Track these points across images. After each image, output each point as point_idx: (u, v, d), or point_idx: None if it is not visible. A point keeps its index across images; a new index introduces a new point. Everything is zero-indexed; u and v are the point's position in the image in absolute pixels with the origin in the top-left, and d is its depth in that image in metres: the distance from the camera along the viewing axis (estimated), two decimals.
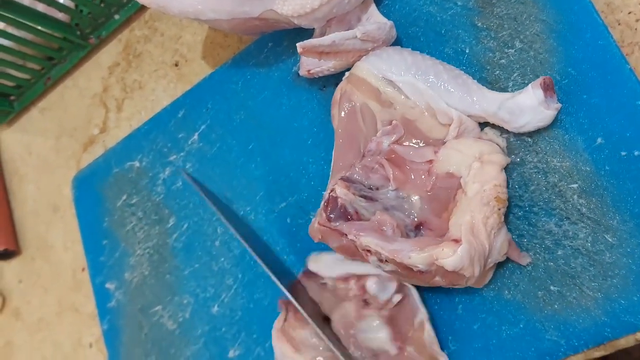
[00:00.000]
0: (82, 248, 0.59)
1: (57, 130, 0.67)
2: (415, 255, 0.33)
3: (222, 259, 0.49)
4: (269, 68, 0.48)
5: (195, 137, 0.51)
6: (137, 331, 0.53)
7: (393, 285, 0.38)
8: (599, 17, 0.35)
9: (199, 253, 0.50)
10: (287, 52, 0.47)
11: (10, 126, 0.72)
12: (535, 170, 0.37)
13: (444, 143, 0.37)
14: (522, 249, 0.36)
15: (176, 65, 0.58)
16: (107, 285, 0.55)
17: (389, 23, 0.39)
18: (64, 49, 0.63)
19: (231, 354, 0.47)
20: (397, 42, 0.41)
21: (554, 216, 0.36)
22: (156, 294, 0.52)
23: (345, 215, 0.36)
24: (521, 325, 0.36)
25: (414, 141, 0.38)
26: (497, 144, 0.37)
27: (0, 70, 0.64)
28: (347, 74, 0.40)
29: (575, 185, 0.35)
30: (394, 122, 0.38)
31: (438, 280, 0.34)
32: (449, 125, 0.37)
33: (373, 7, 0.41)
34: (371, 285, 0.38)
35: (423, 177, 0.37)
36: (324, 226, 0.36)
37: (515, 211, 0.37)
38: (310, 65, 0.41)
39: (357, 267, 0.39)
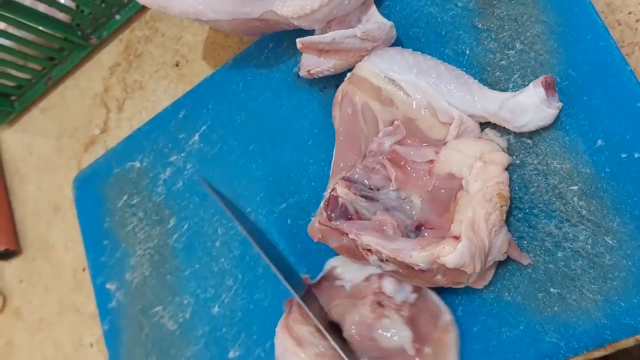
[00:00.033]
0: (83, 248, 0.59)
1: (58, 131, 0.67)
2: (417, 254, 0.33)
3: (223, 260, 0.49)
4: (270, 69, 0.48)
5: (196, 137, 0.51)
6: (138, 331, 0.53)
7: (409, 285, 0.38)
8: (600, 18, 0.35)
9: (200, 254, 0.50)
10: (287, 53, 0.47)
11: (11, 126, 0.72)
12: (536, 172, 0.37)
13: (444, 143, 0.37)
14: (522, 251, 0.36)
15: (177, 65, 0.58)
16: (108, 286, 0.55)
17: (389, 23, 0.39)
18: (65, 49, 0.63)
19: (231, 354, 0.47)
20: (398, 43, 0.41)
21: (554, 218, 0.36)
22: (157, 294, 0.52)
23: (346, 214, 0.36)
24: (521, 327, 0.36)
25: (414, 141, 0.38)
26: (498, 145, 0.37)
27: (1, 70, 0.64)
28: (348, 74, 0.40)
29: (575, 187, 0.35)
30: (395, 122, 0.38)
31: (439, 279, 0.34)
32: (450, 124, 0.37)
33: (373, 8, 0.41)
34: (388, 285, 0.38)
35: (424, 177, 0.37)
36: (324, 225, 0.36)
37: (515, 213, 0.37)
38: (310, 65, 0.41)
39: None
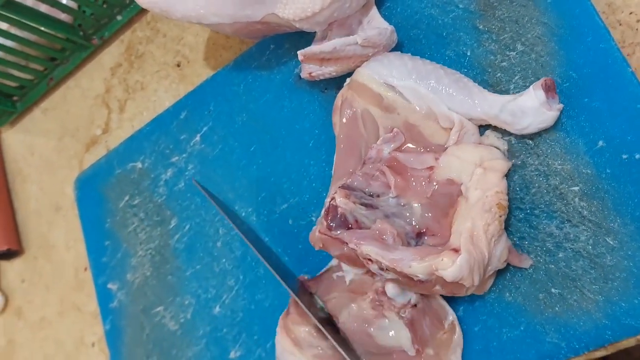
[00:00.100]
0: (84, 247, 0.59)
1: (60, 131, 0.67)
2: (416, 264, 0.33)
3: (224, 260, 0.49)
4: (271, 70, 0.48)
5: (197, 138, 0.51)
6: (139, 332, 0.53)
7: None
8: (601, 20, 0.35)
9: (201, 254, 0.50)
10: (288, 54, 0.47)
11: (13, 126, 0.72)
12: (537, 173, 0.37)
13: (445, 149, 0.37)
14: (523, 252, 0.37)
15: (178, 66, 0.58)
16: (109, 286, 0.56)
17: (390, 28, 0.39)
18: (67, 49, 0.63)
19: (232, 354, 0.47)
20: (399, 45, 0.41)
21: (555, 219, 0.36)
22: (158, 294, 0.52)
23: (346, 223, 0.36)
24: (522, 328, 0.36)
25: (415, 147, 0.38)
26: (499, 147, 0.37)
27: (3, 70, 0.64)
28: (348, 79, 0.41)
29: (576, 188, 0.35)
30: (394, 129, 0.38)
31: (438, 289, 0.34)
32: (450, 129, 0.37)
33: (374, 10, 0.41)
34: (390, 287, 0.38)
35: (424, 183, 0.37)
36: (324, 235, 0.36)
37: (517, 214, 0.37)
38: (311, 68, 0.41)
39: None
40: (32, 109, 0.70)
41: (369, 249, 0.34)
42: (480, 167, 0.35)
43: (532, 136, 0.37)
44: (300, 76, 0.44)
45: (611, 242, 0.34)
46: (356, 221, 0.37)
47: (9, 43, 0.60)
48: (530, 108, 0.35)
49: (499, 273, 0.37)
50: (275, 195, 0.46)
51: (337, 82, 0.44)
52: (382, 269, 0.35)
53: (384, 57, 0.39)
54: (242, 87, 0.49)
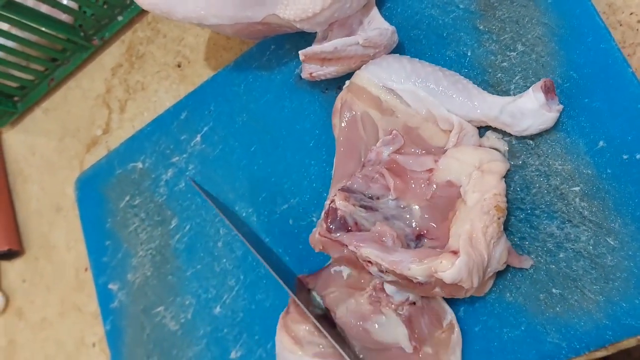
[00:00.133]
0: (85, 248, 0.59)
1: (61, 131, 0.68)
2: (415, 267, 0.33)
3: (224, 260, 0.49)
4: (271, 71, 0.48)
5: (198, 138, 0.51)
6: (140, 332, 0.53)
7: None
8: (601, 20, 0.35)
9: (201, 254, 0.50)
10: (289, 55, 0.47)
11: (13, 127, 0.72)
12: (537, 173, 0.37)
13: (444, 151, 0.37)
14: (523, 252, 0.37)
15: (179, 66, 0.59)
16: (110, 286, 0.56)
17: (391, 28, 0.39)
18: (68, 50, 0.63)
19: (233, 355, 0.47)
20: (399, 46, 0.41)
21: (556, 219, 0.36)
22: (158, 294, 0.53)
23: (345, 226, 0.36)
24: (522, 328, 0.36)
25: (415, 149, 0.38)
26: (499, 148, 0.37)
27: (4, 71, 0.64)
28: (347, 82, 0.41)
29: (577, 188, 0.35)
30: (393, 132, 0.38)
31: (438, 291, 0.34)
32: (450, 131, 0.37)
33: (375, 11, 0.41)
34: (388, 285, 0.38)
35: (423, 186, 0.37)
36: (324, 237, 0.37)
37: (517, 214, 0.37)
38: (312, 68, 0.41)
39: None
40: (33, 110, 0.71)
41: (368, 251, 0.35)
42: (478, 170, 0.35)
43: (532, 137, 0.37)
44: (300, 76, 0.44)
45: (612, 243, 0.34)
46: (356, 223, 0.37)
47: (9, 43, 0.60)
48: (530, 110, 0.35)
49: (500, 273, 0.37)
50: (276, 195, 0.47)
51: (337, 83, 0.44)
52: (381, 271, 0.35)
53: (382, 60, 0.39)
54: (243, 87, 0.49)
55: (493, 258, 0.34)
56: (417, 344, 0.38)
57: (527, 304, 0.36)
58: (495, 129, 0.37)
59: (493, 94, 0.37)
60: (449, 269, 0.32)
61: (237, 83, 0.50)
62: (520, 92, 0.37)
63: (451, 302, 0.38)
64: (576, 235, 0.35)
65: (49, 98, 0.69)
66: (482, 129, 0.38)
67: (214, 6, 0.39)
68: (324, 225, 0.37)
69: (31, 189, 0.69)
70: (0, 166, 0.71)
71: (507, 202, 0.36)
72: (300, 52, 0.39)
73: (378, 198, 0.38)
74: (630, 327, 0.33)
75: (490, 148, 0.37)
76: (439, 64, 0.39)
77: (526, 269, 0.36)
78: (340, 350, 0.38)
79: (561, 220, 0.36)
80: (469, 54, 0.39)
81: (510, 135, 0.37)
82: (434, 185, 0.36)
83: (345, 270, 0.41)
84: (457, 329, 0.37)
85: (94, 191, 0.58)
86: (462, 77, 0.38)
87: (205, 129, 0.51)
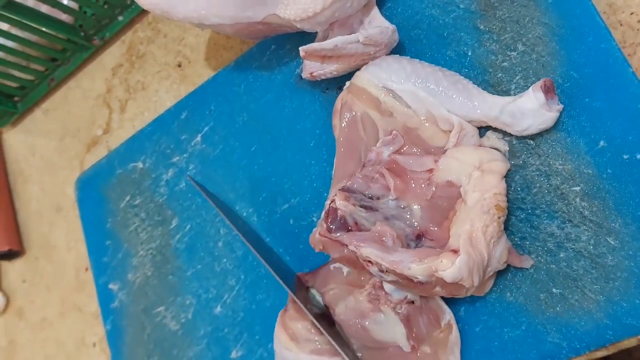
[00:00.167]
0: (85, 248, 0.59)
1: (61, 131, 0.68)
2: (415, 266, 0.33)
3: (225, 260, 0.49)
4: (272, 71, 0.48)
5: (198, 138, 0.51)
6: (140, 332, 0.53)
7: None
8: (602, 20, 0.35)
9: (202, 254, 0.50)
10: (289, 54, 0.47)
11: (14, 127, 0.72)
12: (538, 173, 0.37)
13: (444, 151, 0.37)
14: (524, 252, 0.37)
15: (179, 66, 0.59)
16: (111, 286, 0.56)
17: (392, 27, 0.39)
18: (68, 50, 0.63)
19: (233, 354, 0.47)
20: (400, 45, 0.41)
21: (556, 219, 0.36)
22: (159, 294, 0.53)
23: (346, 226, 0.36)
24: (523, 328, 0.36)
25: (414, 149, 0.38)
26: (499, 148, 0.37)
27: (4, 71, 0.64)
28: (347, 83, 0.41)
29: (577, 188, 0.35)
30: (393, 132, 0.38)
31: (438, 291, 0.34)
32: (450, 131, 0.37)
33: (375, 10, 0.41)
34: (387, 284, 0.38)
35: (423, 186, 0.37)
36: (324, 237, 0.37)
37: (518, 214, 0.37)
38: (312, 68, 0.41)
39: None
40: (33, 110, 0.71)
41: (368, 251, 0.35)
42: (479, 170, 0.35)
43: (533, 136, 0.37)
44: (301, 76, 0.44)
45: (612, 242, 0.34)
46: (356, 223, 0.37)
47: (10, 44, 0.60)
48: (530, 110, 0.35)
49: (500, 273, 0.37)
50: (276, 195, 0.47)
51: (338, 83, 0.44)
52: (382, 270, 0.35)
53: (382, 60, 0.39)
54: (243, 87, 0.49)
55: (493, 257, 0.34)
56: (415, 343, 0.38)
57: (528, 304, 0.36)
58: (495, 129, 0.37)
59: (494, 94, 0.37)
60: (450, 268, 0.32)
61: (237, 83, 0.50)
62: (520, 92, 0.36)
63: (452, 301, 0.38)
64: (577, 235, 0.35)
65: (49, 98, 0.69)
66: (483, 129, 0.38)
67: (215, 6, 0.39)
68: (324, 225, 0.37)
69: (31, 189, 0.69)
70: (1, 166, 0.71)
71: (508, 201, 0.36)
72: (300, 48, 0.39)
73: (378, 198, 0.38)
74: (631, 327, 0.33)
75: (490, 148, 0.37)
76: (439, 64, 0.39)
77: (527, 269, 0.36)
78: (338, 348, 0.38)
79: (562, 220, 0.36)
80: (469, 53, 0.39)
81: (510, 135, 0.37)
82: (434, 186, 0.36)
83: (345, 267, 0.41)
84: (455, 329, 0.37)
85: (95, 191, 0.58)
86: (462, 77, 0.38)
87: (206, 128, 0.51)
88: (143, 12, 0.61)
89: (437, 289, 0.34)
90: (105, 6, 0.59)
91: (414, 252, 0.34)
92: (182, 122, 0.53)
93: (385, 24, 0.40)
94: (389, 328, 0.38)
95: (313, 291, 0.43)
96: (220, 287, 0.49)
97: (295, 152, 0.46)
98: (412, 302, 0.38)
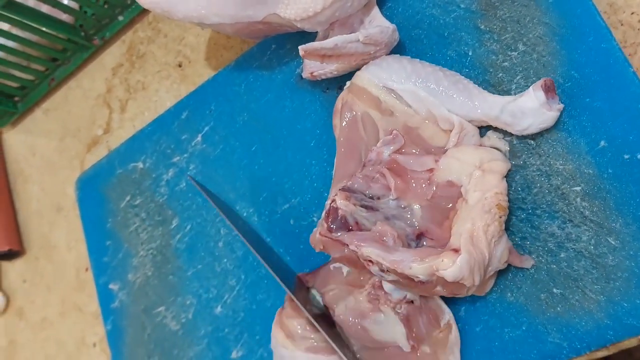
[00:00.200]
0: (86, 248, 0.59)
1: (61, 131, 0.68)
2: (416, 265, 0.33)
3: (225, 260, 0.49)
4: (272, 70, 0.48)
5: (199, 138, 0.51)
6: (140, 332, 0.53)
7: None
8: (602, 20, 0.35)
9: (202, 254, 0.50)
10: (290, 54, 0.47)
11: (14, 127, 0.72)
12: (538, 173, 0.37)
13: (445, 151, 0.37)
14: (524, 252, 0.37)
15: (179, 66, 0.59)
16: (111, 286, 0.56)
17: (392, 26, 0.39)
18: (68, 50, 0.63)
19: (234, 355, 0.47)
20: (400, 45, 0.41)
21: (557, 219, 0.36)
22: (159, 294, 0.53)
23: (346, 225, 0.36)
24: (524, 328, 0.36)
25: (415, 149, 0.38)
26: (500, 148, 0.37)
27: (4, 71, 0.64)
28: (348, 83, 0.41)
29: (578, 188, 0.35)
30: (394, 132, 0.38)
31: (439, 290, 0.34)
32: (450, 131, 0.37)
33: (376, 10, 0.41)
34: (387, 283, 0.38)
35: (424, 186, 0.37)
36: (325, 237, 0.37)
37: (518, 214, 0.37)
38: (313, 67, 0.41)
39: None
40: (33, 110, 0.71)
41: (369, 251, 0.35)
42: (479, 169, 0.35)
43: (533, 136, 0.37)
44: (301, 76, 0.44)
45: (613, 242, 0.34)
46: (356, 223, 0.37)
47: (10, 43, 0.60)
48: (531, 109, 0.35)
49: (501, 273, 0.37)
50: (277, 195, 0.47)
51: (338, 82, 0.44)
52: (382, 270, 0.35)
53: (382, 60, 0.39)
54: (244, 87, 0.49)
55: (494, 257, 0.34)
56: (415, 343, 0.38)
57: (529, 304, 0.36)
58: (496, 129, 0.37)
59: (494, 93, 0.37)
60: (450, 267, 0.32)
61: (238, 83, 0.50)
62: (521, 92, 0.36)
63: (452, 301, 0.38)
64: (577, 235, 0.35)
65: (50, 98, 0.69)
66: (483, 129, 0.38)
67: (215, 5, 0.39)
68: (325, 225, 0.37)
69: (32, 189, 0.69)
70: (1, 166, 0.71)
71: (508, 201, 0.36)
72: (300, 47, 0.39)
73: (379, 198, 0.38)
74: (632, 327, 0.33)
75: (491, 148, 0.37)
76: (440, 64, 0.39)
77: (527, 269, 0.36)
78: (336, 348, 0.38)
79: (562, 220, 0.36)
80: (470, 53, 0.39)
81: (511, 135, 0.37)
82: (435, 185, 0.36)
83: (345, 267, 0.41)
84: (455, 328, 0.37)
85: (95, 191, 0.58)
86: (463, 77, 0.38)
87: (206, 128, 0.51)
88: (143, 12, 0.61)
89: (438, 288, 0.34)
90: (106, 6, 0.59)
91: (414, 252, 0.34)
92: (182, 122, 0.53)
93: (386, 23, 0.40)
94: (389, 328, 0.38)
95: (313, 292, 0.43)
96: (221, 287, 0.49)
97: (296, 152, 0.46)
98: (412, 301, 0.38)
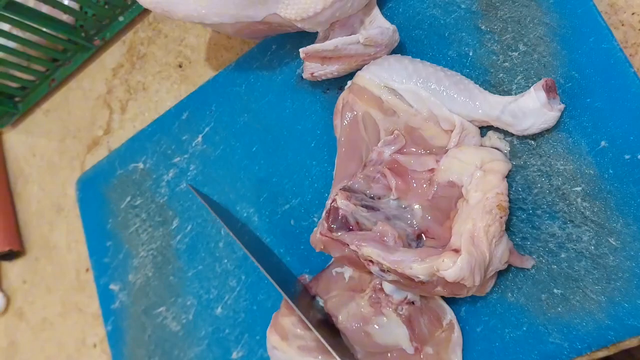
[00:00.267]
0: (86, 248, 0.59)
1: (61, 132, 0.68)
2: (417, 266, 0.33)
3: (226, 261, 0.49)
4: (273, 71, 0.48)
5: (199, 139, 0.51)
6: (141, 332, 0.53)
7: None
8: (603, 20, 0.35)
9: (203, 255, 0.50)
10: (290, 55, 0.47)
11: (14, 127, 0.72)
12: (539, 173, 0.37)
13: (446, 151, 0.37)
14: (525, 252, 0.37)
15: (180, 66, 0.59)
16: (111, 287, 0.56)
17: (392, 27, 0.39)
18: (69, 50, 0.63)
19: (234, 355, 0.47)
20: (401, 45, 0.41)
21: (558, 219, 0.36)
22: (160, 295, 0.52)
23: (347, 225, 0.36)
24: (524, 328, 0.36)
25: (416, 149, 0.38)
26: (501, 148, 0.37)
27: (5, 71, 0.64)
28: (349, 82, 0.41)
29: (578, 189, 0.35)
30: (395, 132, 0.38)
31: (439, 290, 0.34)
32: (451, 131, 0.37)
33: (376, 11, 0.41)
34: (387, 284, 0.38)
35: (424, 186, 0.37)
36: (325, 236, 0.37)
37: (519, 214, 0.37)
38: (313, 68, 0.41)
39: None
40: (33, 110, 0.71)
41: (370, 251, 0.35)
42: (480, 169, 0.35)
43: (534, 137, 0.37)
44: (302, 77, 0.44)
45: (614, 243, 0.34)
46: (357, 223, 0.37)
47: (10, 44, 0.60)
48: (532, 109, 0.35)
49: (501, 274, 0.37)
50: (277, 195, 0.47)
51: (339, 83, 0.44)
52: (383, 270, 0.35)
53: (384, 60, 0.39)
54: (244, 87, 0.49)
55: (495, 257, 0.34)
56: (418, 344, 0.38)
57: (529, 304, 0.36)
58: (497, 129, 0.37)
59: (495, 94, 0.37)
60: (451, 267, 0.32)
61: (238, 83, 0.50)
62: (521, 93, 0.36)
63: (453, 302, 0.38)
64: (578, 236, 0.35)
65: (50, 98, 0.69)
66: (484, 129, 0.38)
67: (216, 5, 0.39)
68: (326, 224, 0.37)
69: (32, 190, 0.69)
70: (1, 167, 0.71)
71: (509, 201, 0.36)
72: (300, 50, 0.39)
73: (379, 198, 0.38)
74: (632, 327, 0.33)
75: (492, 148, 0.37)
76: (440, 64, 0.39)
77: (528, 269, 0.36)
78: (332, 350, 0.38)
79: (563, 220, 0.36)
80: (470, 54, 0.39)
81: (512, 135, 0.37)
82: (436, 186, 0.36)
83: (347, 272, 0.41)
84: (457, 328, 0.37)
85: (95, 192, 0.58)
86: (464, 77, 0.38)
87: (207, 129, 0.51)
88: (144, 13, 0.61)
89: (439, 288, 0.34)
90: (106, 6, 0.59)
91: (415, 252, 0.34)
92: (182, 123, 0.53)
93: (386, 24, 0.40)
94: (392, 331, 0.38)
95: (318, 299, 0.42)
96: (221, 288, 0.49)
97: (296, 152, 0.46)
98: (413, 302, 0.38)
